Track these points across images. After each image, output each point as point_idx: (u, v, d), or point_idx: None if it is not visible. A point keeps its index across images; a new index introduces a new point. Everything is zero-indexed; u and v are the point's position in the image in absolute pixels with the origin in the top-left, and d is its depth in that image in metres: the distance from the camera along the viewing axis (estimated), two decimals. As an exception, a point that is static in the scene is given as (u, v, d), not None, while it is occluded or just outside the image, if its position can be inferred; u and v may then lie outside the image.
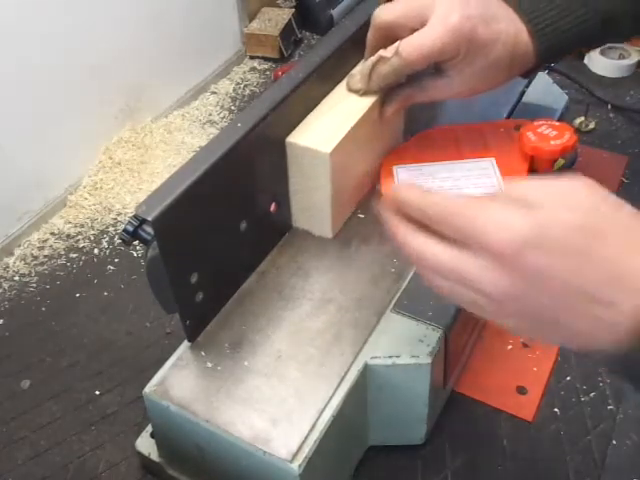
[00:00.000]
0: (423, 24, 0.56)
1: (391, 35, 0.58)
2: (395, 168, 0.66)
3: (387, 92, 0.63)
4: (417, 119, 0.72)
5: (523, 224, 0.37)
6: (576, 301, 0.36)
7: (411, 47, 0.56)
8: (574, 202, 0.37)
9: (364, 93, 0.61)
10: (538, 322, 0.38)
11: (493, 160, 0.65)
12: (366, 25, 0.64)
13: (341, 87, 0.64)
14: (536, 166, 0.64)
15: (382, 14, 0.58)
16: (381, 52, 0.58)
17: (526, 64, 0.60)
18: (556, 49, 0.59)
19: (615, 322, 0.36)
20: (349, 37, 0.64)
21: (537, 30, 0.58)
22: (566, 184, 0.38)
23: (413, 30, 0.56)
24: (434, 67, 0.60)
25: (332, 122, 0.60)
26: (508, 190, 0.39)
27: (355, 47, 0.64)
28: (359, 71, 0.61)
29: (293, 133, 0.59)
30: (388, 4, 0.58)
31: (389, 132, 0.68)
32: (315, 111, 0.61)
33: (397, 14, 0.58)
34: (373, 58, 0.58)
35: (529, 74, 0.61)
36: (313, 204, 0.62)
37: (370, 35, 0.60)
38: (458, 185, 0.63)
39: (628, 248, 0.36)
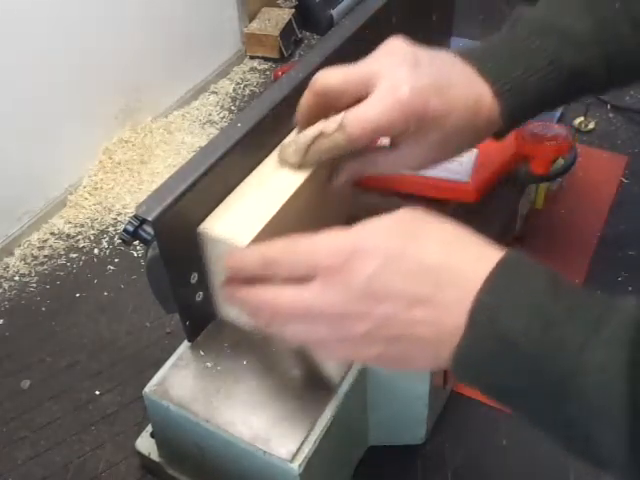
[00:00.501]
0: (368, 93, 0.49)
1: (329, 102, 0.51)
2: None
3: (333, 162, 0.55)
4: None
5: (346, 237, 0.40)
6: (407, 302, 0.38)
7: (355, 121, 0.48)
8: (393, 217, 0.41)
9: (300, 166, 0.53)
10: (390, 340, 0.39)
11: (476, 151, 0.65)
12: (365, 25, 0.64)
13: (272, 158, 0.56)
14: (534, 166, 0.64)
15: (323, 78, 0.50)
16: (322, 127, 0.50)
17: (492, 128, 0.52)
18: (525, 109, 0.52)
19: (442, 322, 0.37)
20: (349, 37, 0.64)
21: (503, 92, 0.51)
22: (387, 216, 0.41)
23: (355, 98, 0.49)
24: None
25: (256, 203, 0.52)
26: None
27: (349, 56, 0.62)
28: (294, 142, 0.53)
29: (209, 218, 0.51)
30: (329, 69, 0.51)
31: (336, 196, 0.59)
32: (239, 188, 0.53)
33: (340, 79, 0.50)
34: (311, 133, 0.50)
35: (500, 136, 0.54)
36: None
37: (306, 99, 0.52)
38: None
39: (443, 248, 0.39)
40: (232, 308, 0.53)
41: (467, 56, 0.51)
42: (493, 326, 0.35)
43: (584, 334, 0.34)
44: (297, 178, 0.53)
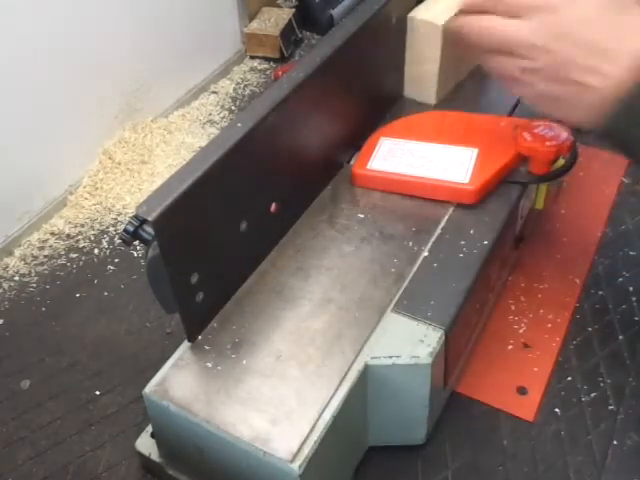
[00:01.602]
0: None
1: None
2: (382, 139, 0.68)
3: None
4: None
5: None
6: (590, 51, 0.48)
7: None
8: None
9: None
10: (561, 81, 0.50)
11: (476, 151, 0.65)
12: (365, 25, 0.64)
13: None
14: (534, 166, 0.64)
15: None
16: None
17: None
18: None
19: (611, 74, 0.47)
20: (349, 37, 0.64)
21: None
22: None
23: None
24: None
25: (444, 4, 0.70)
26: None
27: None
28: None
29: (414, 10, 0.72)
30: None
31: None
32: None
33: None
34: None
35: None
36: (424, 73, 0.74)
37: None
38: (428, 167, 0.65)
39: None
40: (420, 89, 0.76)
41: None
42: None
43: None
44: None
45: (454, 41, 0.60)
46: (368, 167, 0.66)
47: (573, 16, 0.49)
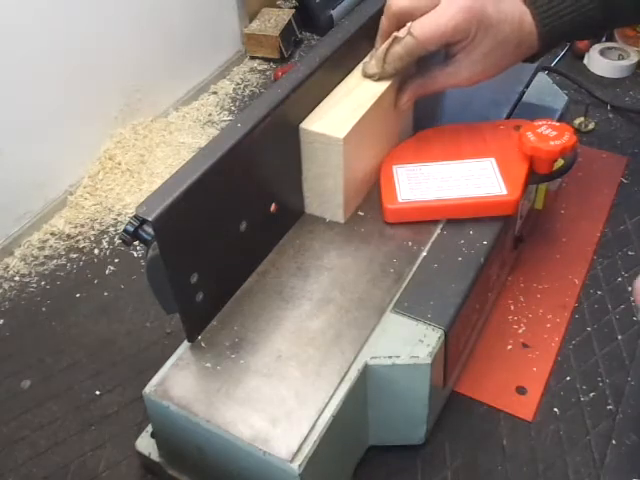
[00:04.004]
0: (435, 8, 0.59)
1: (404, 22, 0.60)
2: (395, 168, 0.66)
3: (400, 84, 0.65)
4: (417, 119, 0.72)
5: None
6: None
7: (424, 26, 0.59)
8: None
9: (379, 78, 0.63)
10: None
11: (493, 160, 0.65)
12: (365, 26, 0.64)
13: (355, 74, 0.66)
14: (536, 166, 0.64)
15: (396, 2, 0.61)
16: (394, 33, 0.60)
17: (531, 47, 0.62)
18: (558, 33, 0.61)
19: None
20: (349, 37, 0.64)
21: (539, 12, 0.60)
22: None
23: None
24: (444, 55, 0.63)
25: (346, 108, 0.61)
26: None
27: (360, 44, 0.65)
28: (373, 56, 0.64)
29: (307, 119, 0.60)
30: None
31: (401, 121, 0.69)
32: (329, 97, 0.63)
33: (410, 0, 0.60)
34: (387, 41, 0.61)
35: (534, 59, 0.63)
36: (326, 190, 0.63)
37: (383, 22, 0.63)
38: (459, 185, 0.63)
39: None
40: (320, 206, 0.64)
41: None
42: None
43: None
44: (379, 87, 0.63)
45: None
46: (401, 200, 0.63)
47: None
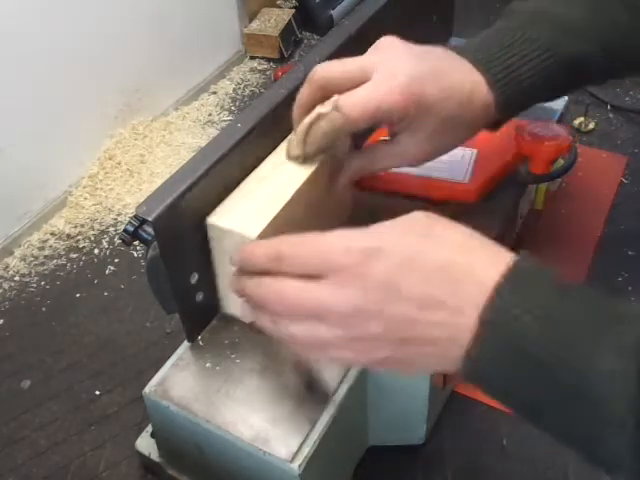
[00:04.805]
0: (366, 82, 0.50)
1: (328, 94, 0.51)
2: (382, 140, 0.67)
3: (336, 162, 0.56)
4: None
5: (362, 236, 0.40)
6: (422, 303, 0.37)
7: (354, 103, 0.49)
8: (407, 218, 0.40)
9: (304, 160, 0.53)
10: (402, 342, 0.38)
11: (475, 151, 0.65)
12: (366, 25, 0.64)
13: (279, 152, 0.56)
14: (533, 166, 0.64)
15: (322, 69, 0.51)
16: (317, 109, 0.50)
17: (487, 118, 0.53)
18: (519, 99, 0.53)
19: (455, 323, 0.37)
20: (349, 37, 0.64)
21: (496, 80, 0.51)
22: (401, 217, 0.41)
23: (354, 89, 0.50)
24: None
25: (263, 197, 0.52)
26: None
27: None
28: (294, 133, 0.53)
29: (217, 211, 0.51)
30: (328, 62, 0.52)
31: (338, 196, 0.59)
32: (245, 183, 0.53)
33: (339, 70, 0.51)
34: (309, 118, 0.50)
35: (496, 127, 0.55)
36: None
37: (303, 92, 0.52)
38: (428, 167, 0.59)
39: (457, 249, 0.39)
40: (235, 303, 0.52)
41: (461, 49, 0.52)
42: (504, 328, 0.35)
43: (595, 339, 0.34)
44: (302, 172, 0.53)
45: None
46: None
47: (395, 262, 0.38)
